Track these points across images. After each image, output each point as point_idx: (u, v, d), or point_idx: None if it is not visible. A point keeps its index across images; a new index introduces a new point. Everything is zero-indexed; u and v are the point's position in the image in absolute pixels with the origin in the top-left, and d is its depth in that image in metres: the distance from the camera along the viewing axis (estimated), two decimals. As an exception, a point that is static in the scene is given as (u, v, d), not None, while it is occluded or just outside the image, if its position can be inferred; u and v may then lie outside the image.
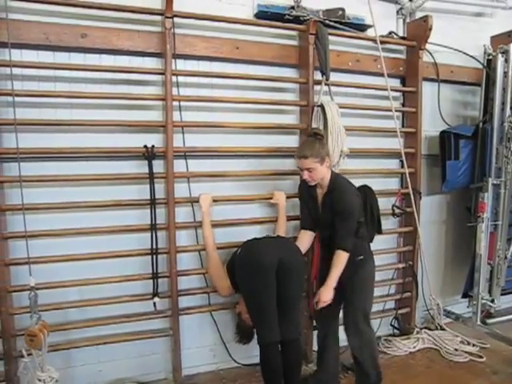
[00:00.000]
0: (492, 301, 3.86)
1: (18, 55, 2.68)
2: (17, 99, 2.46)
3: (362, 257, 2.85)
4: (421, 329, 3.92)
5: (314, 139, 2.81)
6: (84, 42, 2.81)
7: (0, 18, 2.55)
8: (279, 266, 2.71)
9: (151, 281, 3.00)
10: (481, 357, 3.55)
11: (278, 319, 2.70)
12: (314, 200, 2.94)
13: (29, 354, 2.41)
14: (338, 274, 2.76)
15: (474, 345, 3.72)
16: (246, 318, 2.98)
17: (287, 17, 3.30)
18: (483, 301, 3.83)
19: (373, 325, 3.01)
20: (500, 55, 3.74)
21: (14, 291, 2.74)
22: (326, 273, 2.83)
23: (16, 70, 2.59)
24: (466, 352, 3.61)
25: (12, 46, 2.43)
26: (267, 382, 2.70)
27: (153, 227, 2.97)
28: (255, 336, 2.86)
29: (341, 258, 2.75)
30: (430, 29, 3.60)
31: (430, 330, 3.92)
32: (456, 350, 3.64)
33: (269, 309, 2.70)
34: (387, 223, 3.75)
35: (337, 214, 2.76)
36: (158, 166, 3.02)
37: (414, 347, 3.71)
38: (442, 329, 3.93)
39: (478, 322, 3.83)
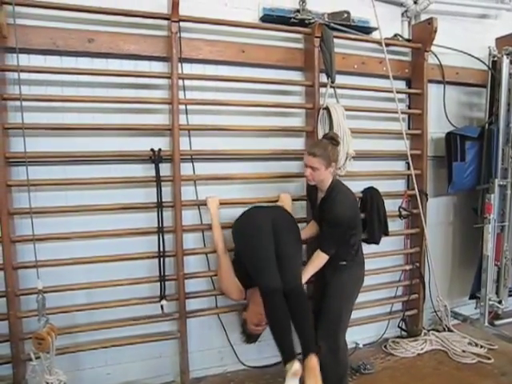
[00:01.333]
0: (499, 302, 3.85)
1: (25, 60, 2.71)
2: (24, 104, 2.47)
3: (344, 262, 2.82)
4: (428, 330, 3.90)
5: (328, 142, 2.80)
6: (91, 47, 2.83)
7: (8, 24, 2.58)
8: (273, 223, 2.82)
9: (158, 283, 3.01)
10: (489, 358, 3.53)
11: (279, 270, 2.71)
12: (316, 200, 2.97)
13: (37, 357, 2.41)
14: (312, 272, 2.83)
15: (481, 346, 3.70)
16: (252, 329, 3.00)
17: (292, 20, 3.31)
18: (491, 302, 3.82)
19: (345, 341, 2.90)
20: (505, 57, 3.75)
21: (22, 294, 2.75)
22: (322, 277, 2.88)
23: (24, 75, 2.60)
24: (473, 353, 3.59)
25: (20, 51, 2.45)
26: (276, 334, 2.62)
27: (160, 230, 2.98)
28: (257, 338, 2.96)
29: (319, 259, 2.79)
30: (435, 31, 3.60)
31: (437, 331, 3.90)
32: (464, 351, 3.62)
33: (267, 259, 2.72)
34: (394, 225, 3.74)
35: (325, 220, 2.80)
36: (165, 169, 3.03)
37: (422, 349, 3.69)
38: (450, 330, 3.91)
39: (486, 324, 3.81)
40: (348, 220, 2.75)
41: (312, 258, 2.85)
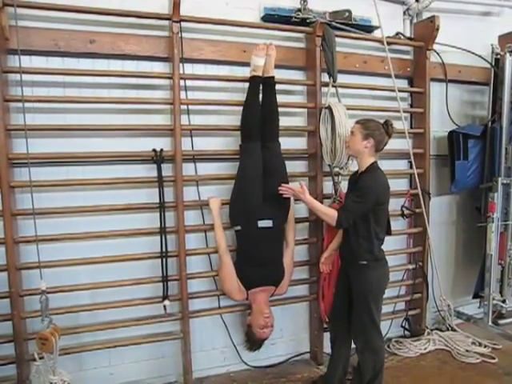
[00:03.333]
0: (503, 301, 3.84)
1: (27, 61, 2.71)
2: (27, 105, 2.49)
3: (365, 262, 2.77)
4: (432, 330, 3.90)
5: (378, 121, 2.80)
6: (92, 48, 2.84)
7: (10, 26, 2.59)
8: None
9: (161, 284, 3.01)
10: (493, 358, 3.52)
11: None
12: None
13: (40, 358, 2.41)
14: (316, 208, 2.83)
15: (485, 346, 3.70)
16: (258, 332, 2.97)
17: (294, 19, 3.32)
18: (494, 301, 3.81)
19: (382, 338, 2.91)
20: (508, 54, 3.74)
21: (26, 295, 2.76)
22: (345, 275, 2.89)
23: (26, 76, 2.60)
24: (477, 353, 3.59)
25: (22, 53, 2.45)
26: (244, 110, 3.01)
27: (162, 230, 2.99)
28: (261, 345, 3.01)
29: (330, 215, 2.73)
30: (437, 29, 3.59)
31: (441, 331, 3.90)
32: (467, 351, 3.62)
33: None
34: (397, 224, 3.72)
35: (355, 190, 2.76)
36: (167, 169, 3.03)
37: (425, 348, 3.68)
38: (453, 330, 3.91)
39: (490, 323, 3.80)
40: (377, 193, 2.70)
41: (326, 210, 2.82)
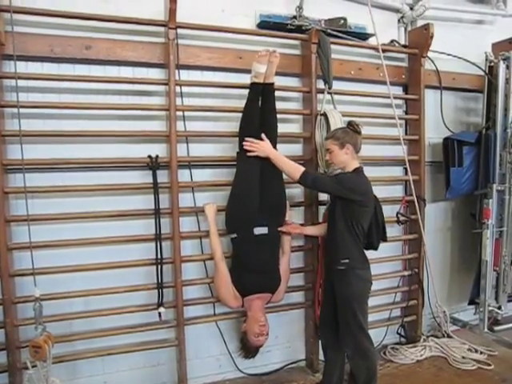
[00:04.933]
0: (499, 307, 3.85)
1: (23, 67, 2.71)
2: (22, 110, 2.47)
3: (347, 260, 2.78)
4: (427, 337, 3.90)
5: (342, 127, 2.96)
6: (88, 54, 2.84)
7: (6, 31, 2.59)
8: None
9: (156, 291, 2.99)
10: (489, 364, 3.51)
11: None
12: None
13: (33, 366, 2.38)
14: (281, 160, 2.88)
15: (481, 352, 3.69)
16: (253, 340, 2.93)
17: (289, 26, 3.34)
18: (490, 308, 3.81)
19: (371, 341, 2.91)
20: (501, 62, 3.77)
21: (19, 302, 2.74)
22: (329, 286, 2.90)
23: (21, 82, 2.60)
24: (473, 360, 3.58)
25: (17, 59, 2.44)
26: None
27: (157, 237, 2.97)
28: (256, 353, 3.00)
29: (297, 165, 2.85)
30: (432, 37, 3.62)
31: (436, 337, 3.89)
32: (464, 357, 3.61)
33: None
34: (392, 231, 3.72)
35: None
36: (163, 175, 3.02)
37: (421, 355, 3.67)
38: (449, 336, 3.90)
39: (486, 329, 3.81)
40: (356, 186, 2.77)
41: (295, 164, 2.88)
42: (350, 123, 2.89)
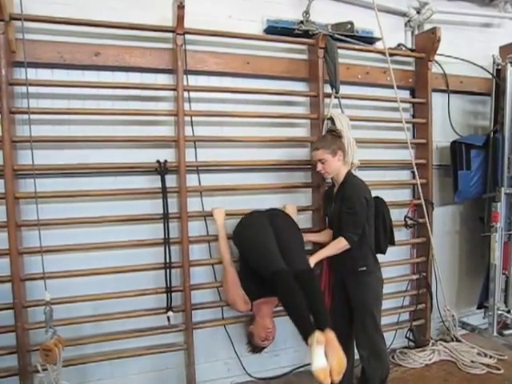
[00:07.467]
0: (508, 311, 3.81)
1: (33, 74, 2.74)
2: (32, 117, 2.50)
3: (364, 268, 2.82)
4: (436, 341, 3.87)
5: (327, 134, 2.99)
6: (97, 60, 2.87)
7: (17, 39, 2.62)
8: (269, 219, 2.95)
9: (165, 295, 3.01)
10: (498, 369, 3.49)
11: (284, 261, 2.68)
12: (332, 199, 3.01)
13: (44, 369, 2.41)
14: (326, 254, 2.89)
15: (491, 356, 3.66)
16: (259, 343, 2.98)
17: (296, 31, 3.35)
18: (499, 311, 3.79)
19: (385, 343, 2.95)
20: (509, 65, 3.76)
21: (29, 306, 2.76)
22: (341, 287, 2.92)
23: (32, 89, 2.62)
24: (483, 364, 3.55)
25: (28, 66, 2.47)
26: (293, 313, 2.57)
27: (166, 241, 2.99)
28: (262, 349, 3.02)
29: (339, 243, 2.81)
30: (439, 40, 3.62)
31: (445, 341, 3.87)
32: (473, 362, 3.58)
33: (268, 246, 2.76)
34: (400, 234, 3.73)
35: (344, 203, 2.82)
36: (171, 180, 3.04)
37: (430, 359, 3.65)
38: (458, 340, 3.88)
39: (495, 334, 3.78)
40: (365, 198, 2.79)
41: (330, 243, 2.88)
42: (330, 129, 2.95)
